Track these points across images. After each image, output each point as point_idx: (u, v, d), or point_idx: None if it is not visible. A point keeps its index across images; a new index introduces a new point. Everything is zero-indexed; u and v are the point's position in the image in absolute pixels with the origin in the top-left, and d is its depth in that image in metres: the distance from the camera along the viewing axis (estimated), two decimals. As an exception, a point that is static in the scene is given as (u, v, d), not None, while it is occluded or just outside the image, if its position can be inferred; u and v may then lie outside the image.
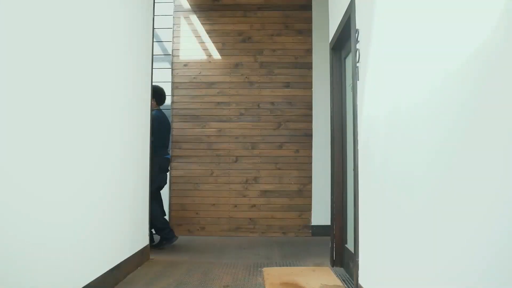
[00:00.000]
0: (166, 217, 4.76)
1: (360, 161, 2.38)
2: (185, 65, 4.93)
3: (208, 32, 4.95)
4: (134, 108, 3.08)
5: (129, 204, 2.96)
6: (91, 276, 2.28)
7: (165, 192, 4.77)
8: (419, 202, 1.46)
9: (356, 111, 2.44)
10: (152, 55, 3.56)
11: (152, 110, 4.19)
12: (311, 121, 4.84)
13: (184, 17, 4.98)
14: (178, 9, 4.99)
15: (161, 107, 4.36)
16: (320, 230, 4.68)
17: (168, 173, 4.34)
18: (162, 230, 3.95)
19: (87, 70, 2.25)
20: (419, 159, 1.46)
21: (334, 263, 3.17)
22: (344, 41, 3.09)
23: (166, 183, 4.26)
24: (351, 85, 2.69)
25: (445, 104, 1.25)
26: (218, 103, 4.87)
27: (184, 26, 4.97)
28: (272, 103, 4.88)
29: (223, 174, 4.69)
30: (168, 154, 4.24)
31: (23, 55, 1.67)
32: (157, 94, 4.20)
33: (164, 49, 4.99)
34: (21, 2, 1.65)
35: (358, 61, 2.41)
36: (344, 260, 3.08)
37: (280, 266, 3.23)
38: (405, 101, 1.62)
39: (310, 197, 4.78)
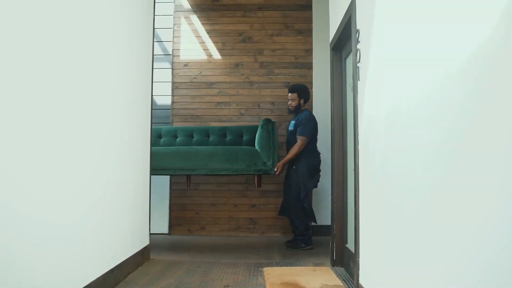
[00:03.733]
0: (167, 217, 4.76)
1: (360, 161, 2.38)
2: (185, 65, 4.93)
3: (208, 32, 4.96)
4: (134, 108, 3.08)
5: (129, 204, 2.96)
6: (91, 276, 2.28)
7: (165, 192, 4.78)
8: (419, 202, 1.46)
9: (357, 111, 2.44)
10: (153, 55, 3.56)
11: (301, 110, 4.09)
12: (311, 121, 4.83)
13: (184, 17, 4.98)
14: (178, 9, 4.99)
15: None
16: (320, 230, 4.68)
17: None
18: (303, 235, 3.95)
19: (87, 70, 2.25)
20: (419, 159, 1.46)
21: (334, 263, 3.17)
22: (344, 41, 3.09)
23: (318, 181, 4.18)
24: (352, 85, 2.69)
25: (445, 105, 1.25)
26: (218, 103, 4.87)
27: (184, 26, 4.97)
28: (272, 103, 4.88)
29: (223, 174, 4.69)
30: (319, 153, 4.18)
31: (23, 54, 1.67)
32: (307, 93, 4.13)
33: (164, 49, 4.99)
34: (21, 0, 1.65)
35: (358, 61, 2.41)
36: (344, 260, 3.08)
37: (280, 266, 3.23)
38: (405, 101, 1.62)
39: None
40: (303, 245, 3.92)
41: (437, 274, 1.29)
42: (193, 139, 4.53)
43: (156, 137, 4.51)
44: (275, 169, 3.91)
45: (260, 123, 4.00)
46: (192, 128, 4.60)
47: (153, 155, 3.74)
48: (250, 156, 3.84)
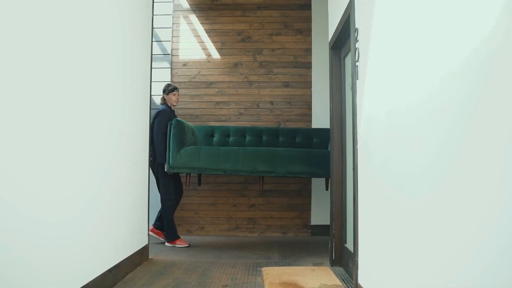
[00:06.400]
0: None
1: (359, 160, 2.37)
2: (184, 65, 4.93)
3: (207, 31, 4.95)
4: (134, 108, 3.07)
5: (128, 204, 2.96)
6: (90, 276, 2.28)
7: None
8: (419, 201, 1.45)
9: (356, 111, 2.43)
10: (151, 54, 3.55)
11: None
12: (310, 121, 4.84)
13: (183, 17, 4.97)
14: (177, 9, 4.98)
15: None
16: (319, 230, 4.68)
17: None
18: None
19: (87, 69, 2.25)
20: (418, 159, 1.46)
21: (333, 263, 3.17)
22: (343, 40, 3.08)
23: None
24: (351, 84, 2.68)
25: (445, 103, 1.24)
26: (218, 102, 4.87)
27: (183, 26, 4.96)
28: (272, 103, 4.87)
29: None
30: None
31: (22, 54, 1.66)
32: None
33: (163, 49, 4.98)
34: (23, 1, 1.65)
35: (357, 60, 2.40)
36: (343, 259, 3.08)
37: (279, 265, 3.23)
38: (405, 100, 1.61)
39: (310, 196, 4.78)
40: None
41: (437, 274, 1.29)
42: (263, 139, 4.50)
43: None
44: None
45: None
46: (261, 129, 4.57)
47: (225, 155, 3.71)
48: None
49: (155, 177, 4.10)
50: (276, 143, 4.47)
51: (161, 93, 4.21)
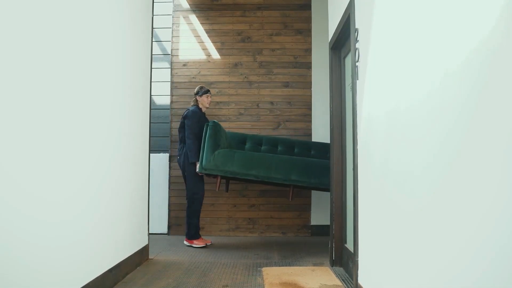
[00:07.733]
0: (166, 217, 4.75)
1: (359, 160, 2.37)
2: (184, 65, 4.93)
3: (207, 31, 4.95)
4: (134, 108, 3.07)
5: (128, 204, 2.95)
6: (90, 276, 2.28)
7: (164, 192, 4.77)
8: (419, 201, 1.45)
9: (356, 111, 2.43)
10: (151, 54, 3.55)
11: None
12: (310, 121, 4.84)
13: (183, 17, 4.97)
14: (177, 9, 4.98)
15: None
16: (319, 230, 4.68)
17: None
18: None
19: (87, 69, 2.25)
20: (419, 159, 1.46)
21: (333, 263, 3.17)
22: (343, 40, 3.08)
23: None
24: (351, 84, 2.68)
25: (445, 103, 1.25)
26: (217, 102, 4.86)
27: (183, 26, 4.96)
28: (272, 103, 4.87)
29: (222, 174, 4.67)
30: None
31: (23, 54, 1.66)
32: None
33: (163, 49, 4.98)
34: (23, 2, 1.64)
35: (357, 61, 2.40)
36: (343, 259, 3.08)
37: (279, 266, 3.23)
38: (405, 100, 1.62)
39: (310, 197, 4.77)
40: None
41: (437, 274, 1.29)
42: (295, 151, 4.47)
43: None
44: None
45: None
46: (293, 141, 4.54)
47: (259, 160, 3.68)
48: None
49: (183, 176, 4.16)
50: (307, 156, 4.44)
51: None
